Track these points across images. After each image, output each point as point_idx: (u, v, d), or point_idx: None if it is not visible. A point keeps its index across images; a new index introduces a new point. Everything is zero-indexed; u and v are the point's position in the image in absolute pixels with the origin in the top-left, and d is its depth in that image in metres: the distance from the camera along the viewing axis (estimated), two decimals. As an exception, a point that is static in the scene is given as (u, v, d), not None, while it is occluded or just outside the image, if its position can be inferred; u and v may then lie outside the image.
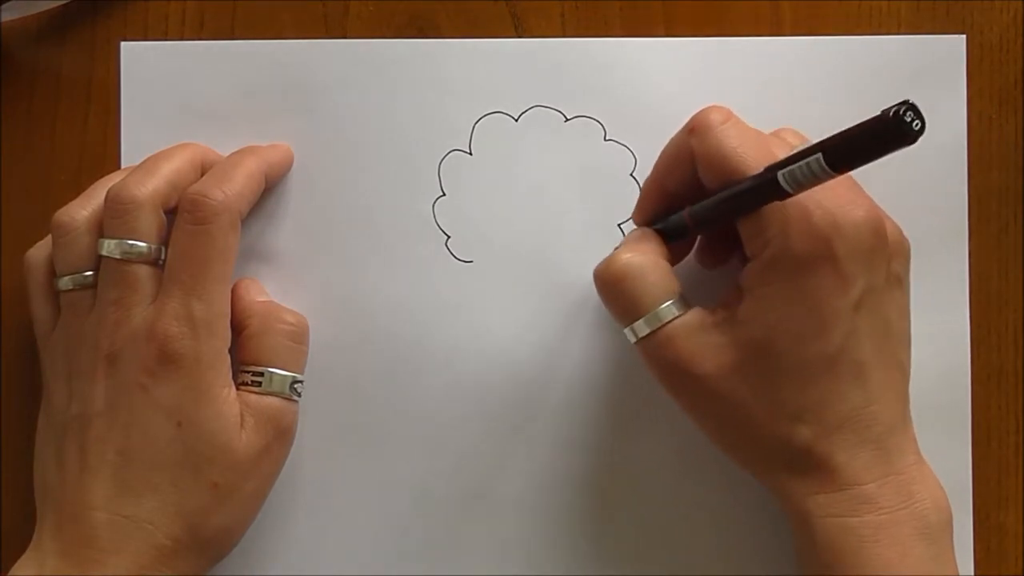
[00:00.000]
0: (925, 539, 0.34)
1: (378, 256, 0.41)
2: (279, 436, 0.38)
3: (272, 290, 0.41)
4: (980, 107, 0.42)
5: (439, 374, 0.41)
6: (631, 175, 0.41)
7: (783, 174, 0.32)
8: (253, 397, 0.38)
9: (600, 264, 0.37)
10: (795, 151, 0.32)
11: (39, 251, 0.39)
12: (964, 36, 0.42)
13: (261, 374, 0.38)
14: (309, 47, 0.41)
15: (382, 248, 0.41)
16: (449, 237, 0.41)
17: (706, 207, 0.36)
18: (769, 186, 0.33)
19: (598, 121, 0.41)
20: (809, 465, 0.35)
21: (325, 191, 0.41)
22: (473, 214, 0.41)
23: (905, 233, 0.37)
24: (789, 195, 0.32)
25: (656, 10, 0.42)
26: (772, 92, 0.41)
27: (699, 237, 0.39)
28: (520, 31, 0.42)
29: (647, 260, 0.36)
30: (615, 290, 0.36)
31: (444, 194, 0.41)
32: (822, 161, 0.31)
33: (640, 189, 0.39)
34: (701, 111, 0.36)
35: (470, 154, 0.41)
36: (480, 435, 0.41)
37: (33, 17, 0.42)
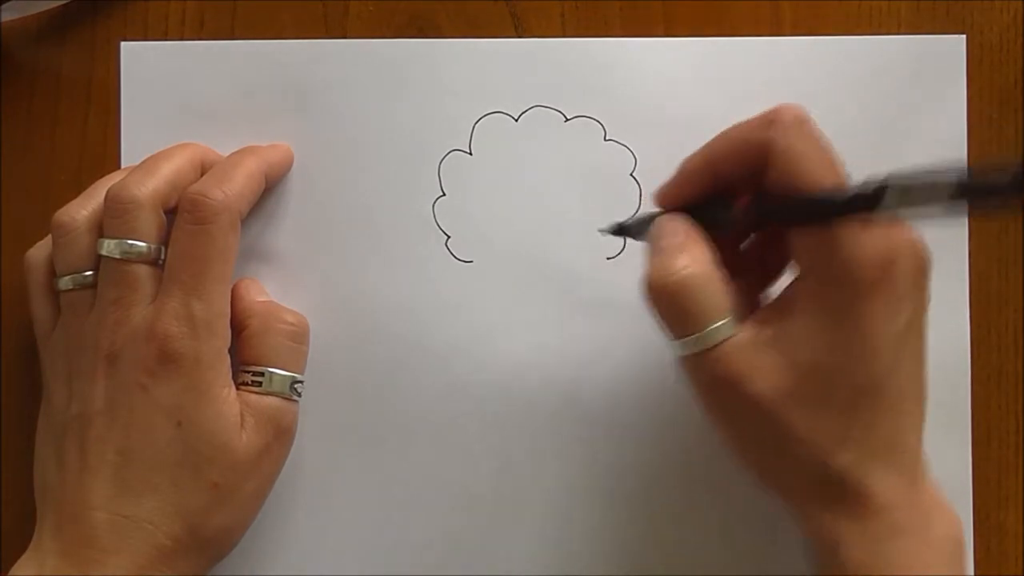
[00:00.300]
0: (949, 563, 0.34)
1: (378, 256, 0.41)
2: (279, 436, 0.38)
3: (272, 290, 0.41)
4: (980, 107, 0.42)
5: (439, 374, 0.41)
6: (631, 175, 0.41)
7: (895, 188, 0.30)
8: (253, 397, 0.38)
9: (655, 270, 0.34)
10: (916, 171, 0.30)
11: (39, 251, 0.39)
12: (964, 36, 0.42)
13: (261, 374, 0.38)
14: (309, 47, 0.41)
15: (382, 248, 0.41)
16: (449, 237, 0.41)
17: (786, 205, 0.34)
18: (869, 198, 0.31)
19: (598, 121, 0.41)
20: (843, 491, 0.34)
21: (325, 191, 0.41)
22: (473, 214, 0.41)
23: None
24: (879, 214, 0.31)
25: (656, 10, 0.42)
26: (772, 92, 0.41)
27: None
28: (520, 31, 0.42)
29: (706, 272, 0.34)
30: (670, 303, 0.34)
31: (444, 194, 0.41)
32: (951, 190, 0.29)
33: (676, 171, 0.36)
34: (784, 106, 0.34)
35: (470, 154, 0.41)
36: (480, 435, 0.41)
37: (33, 17, 0.42)
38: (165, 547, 0.35)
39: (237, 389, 0.37)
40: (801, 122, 0.33)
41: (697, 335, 0.33)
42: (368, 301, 0.41)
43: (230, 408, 0.37)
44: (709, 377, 0.34)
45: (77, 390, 0.37)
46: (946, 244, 0.41)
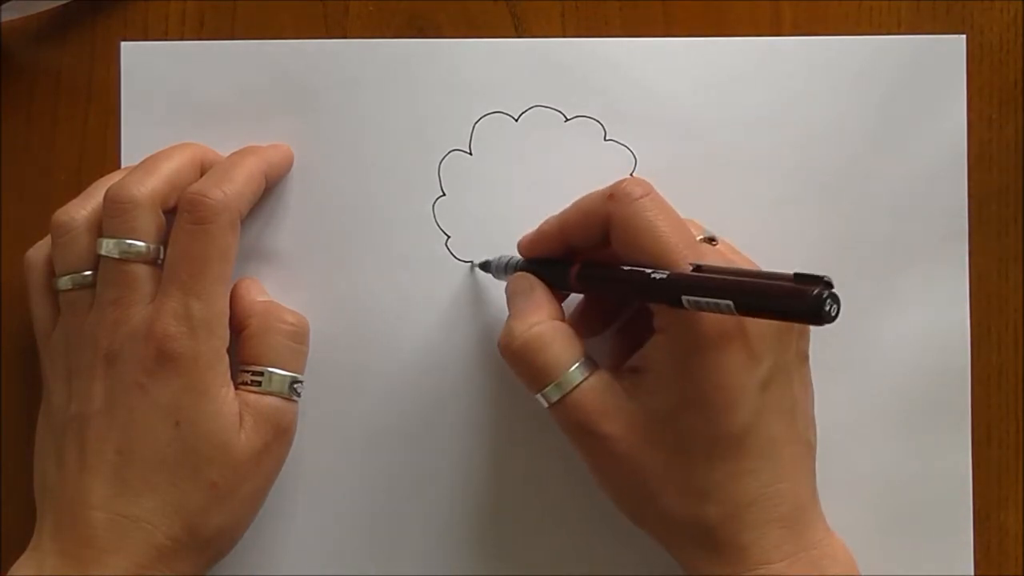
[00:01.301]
0: None
1: (378, 256, 0.41)
2: (279, 436, 0.38)
3: (272, 290, 0.41)
4: (980, 107, 0.42)
5: (439, 374, 0.41)
6: (631, 175, 0.41)
7: (688, 300, 0.32)
8: (253, 397, 0.38)
9: (503, 336, 0.37)
10: (706, 273, 0.32)
11: (39, 251, 0.39)
12: (964, 36, 0.42)
13: (261, 374, 0.38)
14: (309, 47, 0.41)
15: (382, 248, 0.41)
16: (449, 237, 0.41)
17: (603, 277, 0.36)
18: (671, 297, 0.32)
19: (598, 121, 0.41)
20: (717, 543, 0.34)
21: (325, 191, 0.41)
22: (473, 214, 0.41)
23: None
24: (685, 309, 0.32)
25: (656, 10, 0.42)
26: (772, 92, 0.41)
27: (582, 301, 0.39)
28: (520, 31, 0.42)
29: (547, 327, 0.36)
30: (520, 361, 0.36)
31: (444, 194, 0.41)
32: (732, 307, 0.30)
33: (536, 228, 0.39)
34: (623, 181, 0.36)
35: (470, 154, 0.41)
36: (479, 435, 0.41)
37: (33, 17, 0.42)
38: (164, 547, 0.35)
39: (237, 389, 0.37)
40: (640, 195, 0.35)
41: (551, 385, 0.36)
42: (368, 301, 0.41)
43: (229, 408, 0.37)
44: (572, 423, 0.36)
45: (76, 390, 0.37)
46: (946, 244, 0.41)
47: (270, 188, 0.41)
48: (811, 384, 0.37)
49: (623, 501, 0.37)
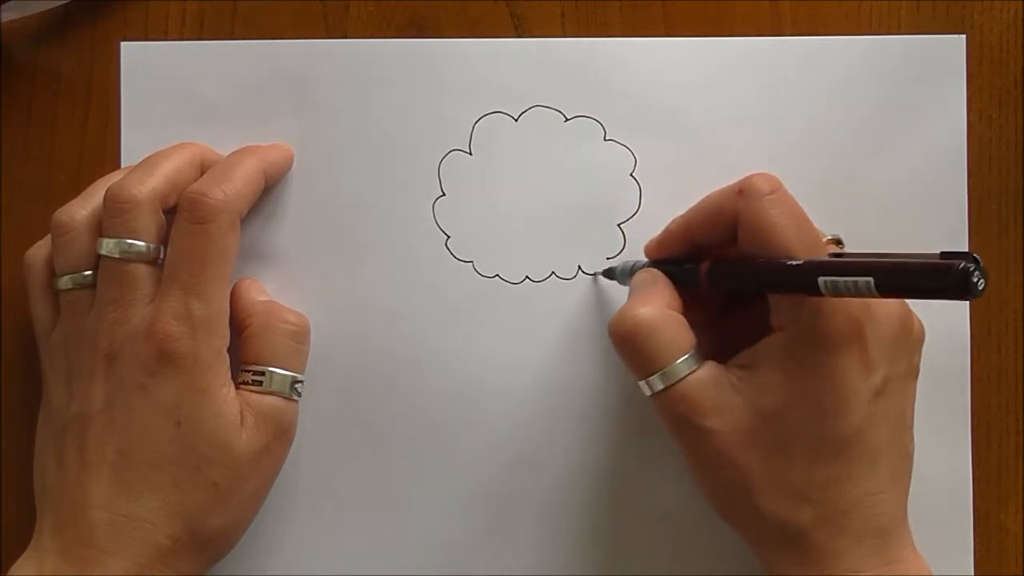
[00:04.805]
0: None
1: (378, 256, 0.41)
2: (279, 435, 0.38)
3: (272, 290, 0.41)
4: (980, 107, 0.42)
5: (438, 374, 0.41)
6: (631, 175, 0.41)
7: (826, 281, 0.31)
8: (254, 396, 0.38)
9: (614, 318, 0.36)
10: (842, 256, 0.32)
11: (39, 251, 0.39)
12: (964, 36, 0.42)
13: (262, 373, 0.38)
14: (309, 47, 0.41)
15: (382, 248, 0.41)
16: (449, 237, 0.41)
17: (734, 272, 0.36)
18: (807, 282, 0.32)
19: (598, 121, 0.41)
20: (808, 546, 0.34)
21: (325, 191, 0.41)
22: (473, 214, 0.41)
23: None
24: (822, 295, 0.32)
25: (656, 10, 0.42)
26: (772, 92, 0.41)
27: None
28: (520, 31, 0.42)
29: (661, 314, 0.36)
30: (629, 346, 0.36)
31: (444, 194, 0.41)
32: (872, 285, 0.30)
33: (663, 230, 0.39)
34: (752, 177, 0.35)
35: (470, 154, 0.41)
36: (479, 435, 0.41)
37: (33, 17, 0.42)
38: (164, 546, 0.35)
39: (237, 388, 0.37)
40: (769, 192, 0.35)
41: (660, 372, 0.35)
42: (368, 301, 0.41)
43: (229, 407, 0.37)
44: (675, 414, 0.35)
45: (76, 390, 0.37)
46: (946, 244, 0.41)
47: (270, 188, 0.41)
48: (915, 399, 0.37)
49: (716, 495, 0.37)
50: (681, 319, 0.36)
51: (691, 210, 0.38)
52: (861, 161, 0.41)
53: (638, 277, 0.38)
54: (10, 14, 0.41)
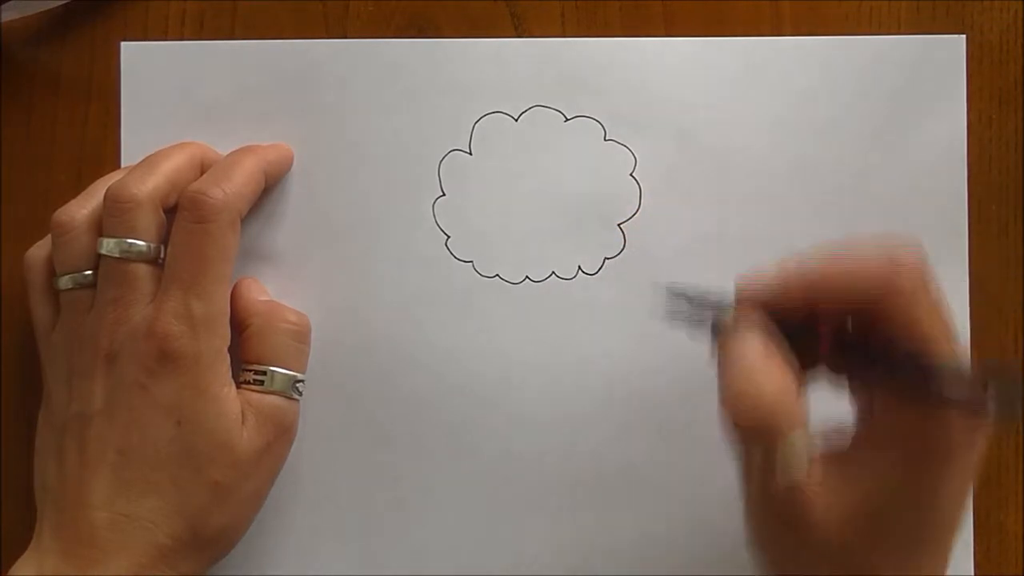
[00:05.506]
0: None
1: (378, 256, 0.41)
2: (280, 435, 0.38)
3: (272, 290, 0.41)
4: (980, 107, 0.42)
5: (439, 373, 0.41)
6: (631, 175, 0.41)
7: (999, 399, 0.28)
8: (255, 396, 0.38)
9: (736, 386, 0.31)
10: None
11: (39, 251, 0.39)
12: (964, 36, 0.42)
13: (263, 373, 0.38)
14: (309, 47, 0.41)
15: (382, 248, 0.41)
16: (449, 237, 0.41)
17: (863, 361, 0.32)
18: (974, 400, 0.29)
19: (598, 121, 0.41)
20: None
21: (325, 191, 0.41)
22: (473, 214, 0.41)
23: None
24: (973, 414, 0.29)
25: (656, 10, 0.42)
26: (772, 92, 0.41)
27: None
28: (520, 31, 0.42)
29: (788, 400, 0.31)
30: (754, 431, 0.31)
31: (444, 194, 0.41)
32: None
33: (776, 272, 0.33)
34: (907, 253, 0.31)
35: (470, 154, 0.41)
36: (479, 434, 0.41)
37: (33, 17, 0.42)
38: (165, 546, 0.35)
39: (238, 388, 0.37)
40: (928, 276, 0.31)
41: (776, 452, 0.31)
42: (368, 301, 0.41)
43: (230, 407, 0.37)
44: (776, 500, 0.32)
45: (77, 389, 0.37)
46: (946, 244, 0.41)
47: (270, 187, 0.41)
48: None
49: (781, 565, 0.33)
50: (798, 392, 0.32)
51: (823, 267, 0.32)
52: (861, 161, 0.41)
53: (747, 343, 0.32)
54: (10, 14, 0.41)
